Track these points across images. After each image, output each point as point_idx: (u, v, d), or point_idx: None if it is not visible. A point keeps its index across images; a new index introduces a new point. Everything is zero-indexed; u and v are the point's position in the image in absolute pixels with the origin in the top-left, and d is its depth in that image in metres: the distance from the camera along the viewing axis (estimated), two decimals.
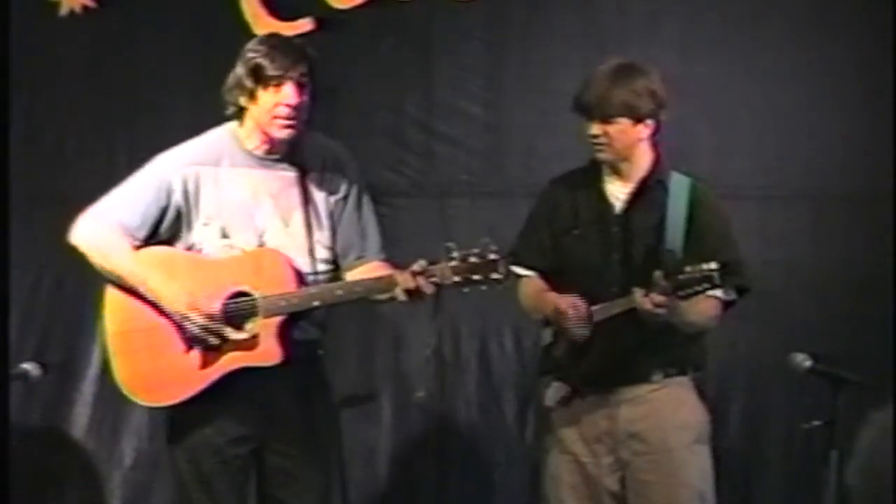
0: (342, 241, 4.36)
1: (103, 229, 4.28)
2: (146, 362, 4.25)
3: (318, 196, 4.35)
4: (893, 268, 5.18)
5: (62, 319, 5.76)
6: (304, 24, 5.65)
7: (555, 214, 4.53)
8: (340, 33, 5.66)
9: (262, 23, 5.61)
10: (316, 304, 4.22)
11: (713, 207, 4.44)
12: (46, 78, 5.85)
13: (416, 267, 4.12)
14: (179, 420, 4.33)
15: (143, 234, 4.28)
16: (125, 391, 4.31)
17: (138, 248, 4.27)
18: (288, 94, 4.18)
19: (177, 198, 4.28)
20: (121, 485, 5.76)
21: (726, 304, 4.40)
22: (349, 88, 5.68)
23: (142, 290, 4.23)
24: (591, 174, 4.49)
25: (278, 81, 4.18)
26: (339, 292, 4.23)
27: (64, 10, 5.85)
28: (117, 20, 5.81)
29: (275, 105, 4.19)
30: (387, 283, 4.17)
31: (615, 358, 4.39)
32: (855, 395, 4.20)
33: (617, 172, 4.45)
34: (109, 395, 4.82)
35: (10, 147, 5.07)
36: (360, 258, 4.36)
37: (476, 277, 4.12)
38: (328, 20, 5.65)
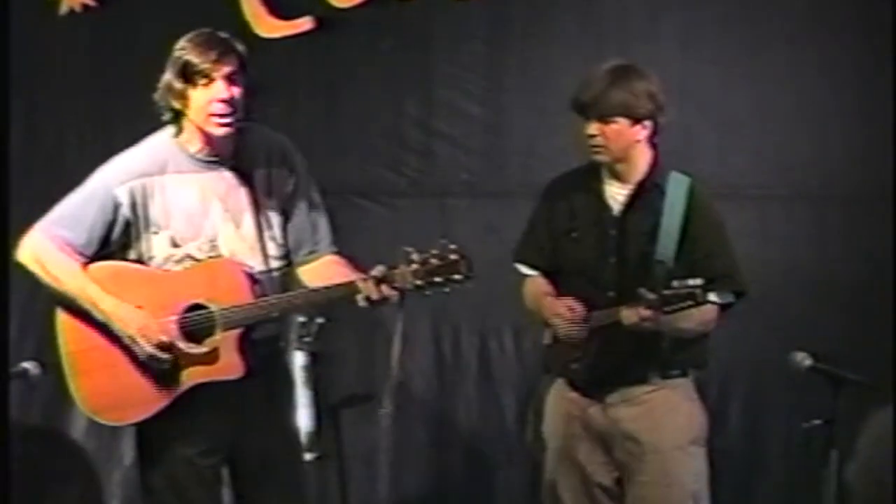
0: (293, 235, 4.29)
1: (50, 248, 4.17)
2: (105, 381, 4.17)
3: (267, 193, 4.26)
4: (893, 268, 5.18)
5: None
6: (304, 24, 5.65)
7: (554, 215, 4.52)
8: (340, 33, 5.66)
9: (263, 22, 5.61)
10: (275, 314, 4.15)
11: (706, 212, 4.41)
12: (46, 78, 5.85)
13: (376, 273, 4.03)
14: (150, 436, 4.25)
15: (90, 251, 4.18)
16: (86, 411, 4.23)
17: (86, 264, 4.17)
18: (219, 89, 4.09)
19: (124, 211, 4.17)
20: (121, 484, 5.76)
21: (723, 307, 4.40)
22: (349, 88, 5.68)
23: (94, 312, 4.13)
24: (590, 175, 4.48)
25: (207, 77, 4.10)
26: (299, 301, 4.18)
27: (64, 10, 5.85)
28: (117, 20, 5.81)
29: (208, 102, 4.10)
30: (347, 290, 4.07)
31: (613, 360, 4.39)
32: (855, 395, 4.20)
33: (615, 174, 4.44)
34: None
35: (10, 147, 5.06)
36: (313, 252, 4.29)
37: (438, 280, 4.04)
38: (328, 20, 5.65)
